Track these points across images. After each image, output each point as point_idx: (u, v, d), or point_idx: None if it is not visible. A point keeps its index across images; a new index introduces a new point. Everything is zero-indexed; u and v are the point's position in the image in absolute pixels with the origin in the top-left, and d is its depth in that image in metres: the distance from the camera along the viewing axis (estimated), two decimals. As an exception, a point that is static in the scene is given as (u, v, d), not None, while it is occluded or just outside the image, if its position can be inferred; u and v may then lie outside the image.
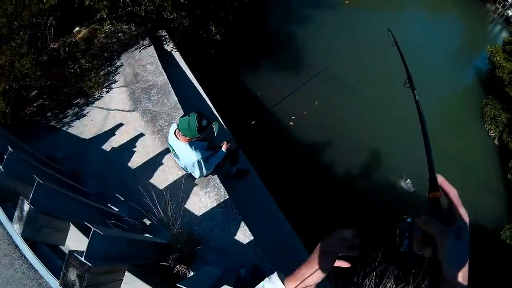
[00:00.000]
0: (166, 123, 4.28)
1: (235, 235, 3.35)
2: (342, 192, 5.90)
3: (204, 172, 3.33)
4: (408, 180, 6.62)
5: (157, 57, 5.28)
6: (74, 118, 4.97)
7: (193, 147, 3.19)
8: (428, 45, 10.58)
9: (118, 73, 5.45)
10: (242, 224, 3.37)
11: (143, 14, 5.52)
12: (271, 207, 3.97)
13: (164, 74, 4.90)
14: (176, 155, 3.36)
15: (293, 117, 6.86)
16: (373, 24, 9.85)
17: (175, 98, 4.49)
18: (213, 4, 6.05)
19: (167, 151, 3.93)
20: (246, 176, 4.16)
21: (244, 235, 3.33)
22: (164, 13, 5.64)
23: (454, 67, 10.61)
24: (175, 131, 3.24)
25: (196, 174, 3.33)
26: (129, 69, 5.42)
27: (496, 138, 8.49)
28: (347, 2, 10.42)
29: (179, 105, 4.40)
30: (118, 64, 5.63)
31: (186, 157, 3.23)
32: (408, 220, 0.72)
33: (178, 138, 3.21)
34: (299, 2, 10.06)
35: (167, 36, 6.07)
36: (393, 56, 1.96)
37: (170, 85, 4.67)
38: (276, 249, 3.61)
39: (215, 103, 4.96)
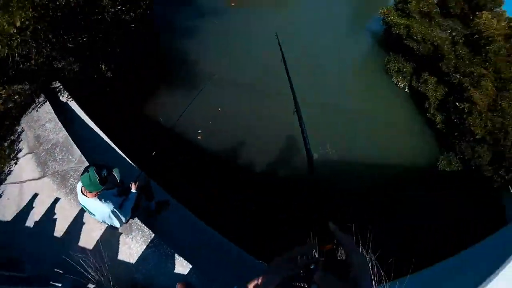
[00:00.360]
0: (75, 180, 4.11)
1: (174, 269, 3.36)
2: (264, 184, 6.04)
3: (123, 219, 3.27)
4: (330, 149, 6.98)
5: (53, 112, 5.01)
6: (-8, 201, 4.58)
7: (102, 200, 3.11)
8: (324, 25, 10.95)
9: (21, 140, 5.09)
10: (176, 256, 3.38)
11: (35, 68, 5.24)
12: (199, 226, 4.03)
13: (63, 129, 4.68)
14: (90, 213, 3.26)
15: (199, 131, 6.71)
16: (262, 21, 10.05)
17: (78, 151, 4.34)
18: (99, 41, 5.89)
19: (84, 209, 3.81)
20: (167, 208, 4.14)
21: (182, 266, 3.35)
22: (54, 62, 5.42)
23: (352, 36, 11.24)
24: (81, 189, 3.15)
25: (116, 224, 3.26)
26: (30, 132, 5.08)
27: (406, 87, 9.30)
28: (233, 4, 10.42)
29: (83, 158, 4.26)
30: (19, 130, 5.24)
31: (99, 211, 3.15)
32: (312, 267, 0.73)
33: (86, 196, 3.12)
34: (184, 17, 9.82)
35: (61, 87, 5.78)
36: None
37: (70, 139, 4.49)
38: (220, 261, 3.70)
39: (119, 143, 4.83)
